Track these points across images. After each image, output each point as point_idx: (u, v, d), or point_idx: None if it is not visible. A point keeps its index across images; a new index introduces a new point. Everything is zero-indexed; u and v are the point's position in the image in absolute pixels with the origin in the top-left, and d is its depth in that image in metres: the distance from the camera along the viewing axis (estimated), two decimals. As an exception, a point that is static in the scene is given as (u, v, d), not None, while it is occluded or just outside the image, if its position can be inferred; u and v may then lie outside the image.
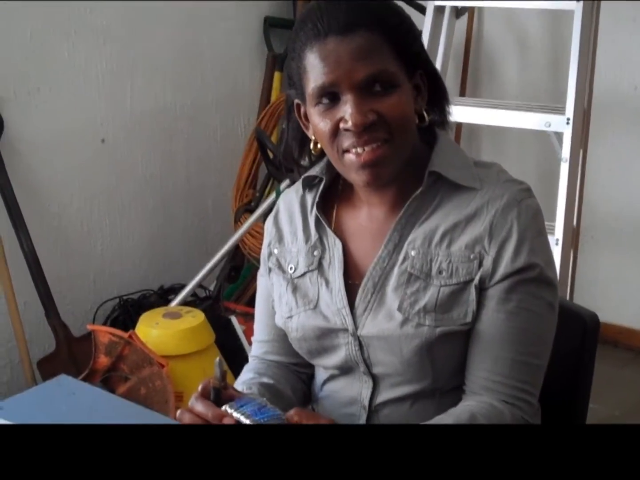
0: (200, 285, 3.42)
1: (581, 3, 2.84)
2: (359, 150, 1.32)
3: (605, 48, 3.32)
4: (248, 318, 3.23)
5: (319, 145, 1.41)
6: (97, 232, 3.35)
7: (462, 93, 3.75)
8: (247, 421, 1.20)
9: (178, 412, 1.27)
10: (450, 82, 3.66)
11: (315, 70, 1.31)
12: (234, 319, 3.20)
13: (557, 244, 2.87)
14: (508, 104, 3.20)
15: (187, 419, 1.24)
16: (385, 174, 1.35)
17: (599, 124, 3.43)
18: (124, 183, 3.42)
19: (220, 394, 1.27)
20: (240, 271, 3.60)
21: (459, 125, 3.64)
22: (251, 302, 3.42)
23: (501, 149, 3.79)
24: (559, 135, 2.90)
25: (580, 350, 1.60)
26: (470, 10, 3.62)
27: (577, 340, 1.59)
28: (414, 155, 1.40)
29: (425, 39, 3.10)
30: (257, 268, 1.63)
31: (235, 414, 1.21)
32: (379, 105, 1.31)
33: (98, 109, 3.28)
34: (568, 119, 2.84)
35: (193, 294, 3.43)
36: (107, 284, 3.40)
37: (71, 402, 1.55)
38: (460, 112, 3.07)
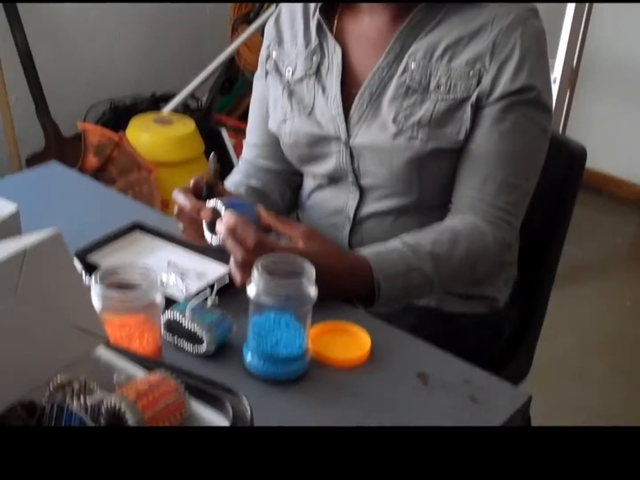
0: (192, 95, 3.39)
1: None
2: None
3: None
4: (239, 132, 3.22)
5: None
6: (92, 33, 3.28)
7: None
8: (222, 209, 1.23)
9: (175, 211, 1.32)
10: None
11: None
12: (224, 132, 3.19)
13: (554, 82, 2.85)
14: None
15: (183, 216, 1.31)
16: None
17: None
18: (121, -15, 3.33)
19: (212, 190, 1.29)
20: (234, 84, 3.56)
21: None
22: (243, 117, 3.39)
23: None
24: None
25: (565, 181, 1.62)
26: None
27: (564, 170, 1.60)
28: None
29: None
30: (252, 82, 1.61)
31: (212, 203, 1.24)
32: None
33: None
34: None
35: (185, 103, 3.40)
36: (100, 86, 3.36)
37: (62, 188, 1.57)
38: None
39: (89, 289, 1.03)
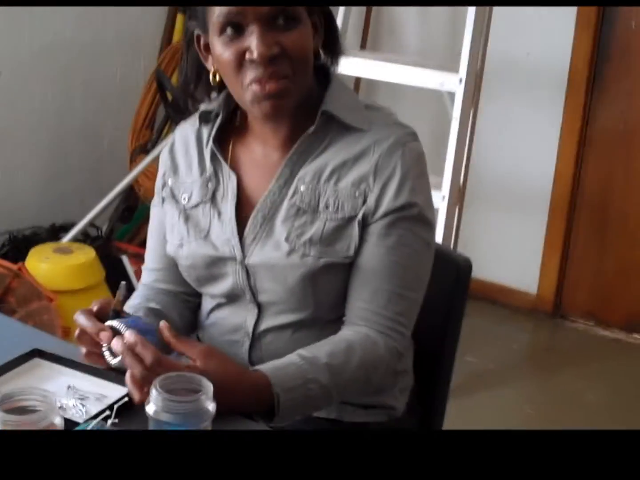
0: (92, 224, 3.41)
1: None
2: (264, 82, 1.37)
3: (502, 12, 3.42)
4: (139, 259, 3.24)
5: (217, 77, 1.45)
6: (-10, 165, 3.31)
7: (363, 46, 3.81)
8: (124, 329, 1.26)
9: (76, 333, 1.35)
10: (351, 36, 3.71)
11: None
12: (125, 259, 3.21)
13: (443, 199, 2.97)
14: (406, 60, 3.26)
15: (84, 338, 1.34)
16: (285, 106, 1.41)
17: (492, 87, 3.54)
18: (19, 117, 3.37)
19: (119, 316, 1.33)
20: (133, 212, 3.61)
21: (357, 80, 3.70)
22: (144, 244, 3.41)
23: (397, 105, 3.86)
24: (451, 95, 3.00)
25: (453, 291, 1.69)
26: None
27: (451, 281, 1.68)
28: (308, 95, 1.46)
29: (328, -9, 3.14)
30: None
31: (115, 323, 1.28)
32: (283, 38, 1.36)
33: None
34: (461, 79, 2.93)
35: (84, 232, 3.42)
36: (-2, 217, 3.36)
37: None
38: (359, 66, 3.14)
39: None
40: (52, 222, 3.50)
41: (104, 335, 1.29)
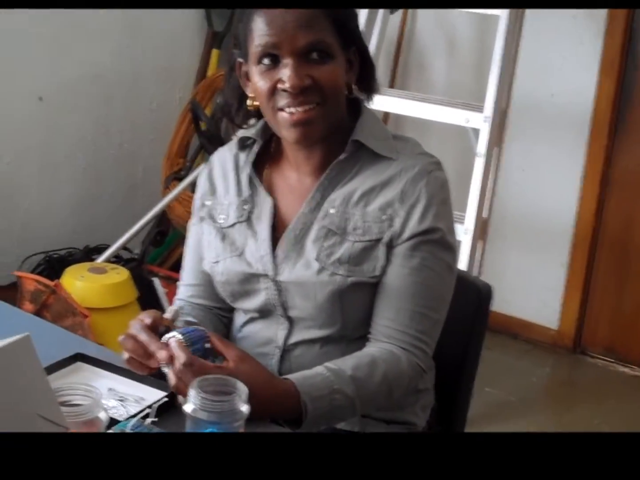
0: (125, 247, 3.52)
1: (507, 10, 3.04)
2: (292, 110, 1.47)
3: (527, 54, 3.52)
4: (170, 282, 3.34)
5: (255, 102, 1.56)
6: (27, 188, 3.42)
7: (392, 85, 3.92)
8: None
9: (121, 337, 1.42)
10: (381, 74, 3.82)
11: (260, 32, 1.46)
12: (156, 281, 3.31)
13: (466, 233, 3.04)
14: (433, 98, 3.37)
15: (129, 345, 1.41)
16: (314, 133, 1.51)
17: (516, 125, 3.64)
18: (57, 142, 3.50)
19: (167, 332, 1.43)
20: (165, 236, 3.71)
21: (386, 115, 3.80)
22: (174, 267, 3.53)
23: (423, 141, 3.95)
24: (476, 132, 3.09)
25: (474, 316, 1.77)
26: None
27: (472, 305, 1.76)
28: (340, 124, 1.56)
29: (360, 29, 3.25)
30: (183, 235, 1.75)
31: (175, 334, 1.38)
32: (315, 71, 1.47)
33: (38, 68, 3.35)
34: (486, 117, 3.03)
35: (117, 255, 3.53)
36: (33, 239, 3.47)
37: (3, 323, 1.66)
38: (388, 102, 3.25)
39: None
40: (86, 244, 3.62)
41: (162, 355, 1.36)
